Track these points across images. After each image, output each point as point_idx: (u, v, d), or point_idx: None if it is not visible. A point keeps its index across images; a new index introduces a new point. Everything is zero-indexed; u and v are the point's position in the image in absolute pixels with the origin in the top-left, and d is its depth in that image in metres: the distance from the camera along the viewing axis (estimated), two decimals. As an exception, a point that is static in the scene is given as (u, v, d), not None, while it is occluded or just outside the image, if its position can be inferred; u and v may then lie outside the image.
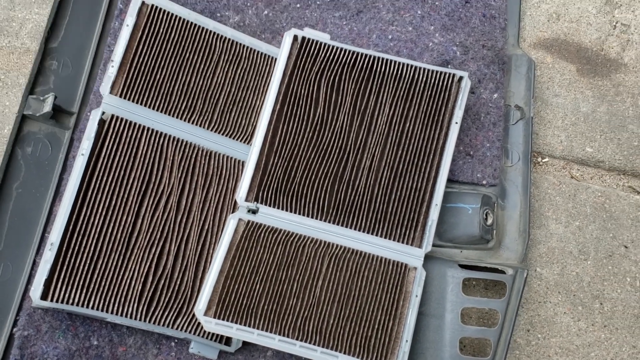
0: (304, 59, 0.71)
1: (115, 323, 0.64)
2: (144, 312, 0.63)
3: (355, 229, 0.68)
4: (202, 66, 0.71)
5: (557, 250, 0.77)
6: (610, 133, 0.81)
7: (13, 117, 0.80)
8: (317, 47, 0.71)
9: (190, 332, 0.64)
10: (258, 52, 0.75)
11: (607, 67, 0.84)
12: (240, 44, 0.74)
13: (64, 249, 0.62)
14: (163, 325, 0.63)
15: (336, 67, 0.71)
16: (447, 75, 0.72)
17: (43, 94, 0.73)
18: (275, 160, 0.68)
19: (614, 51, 0.84)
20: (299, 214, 0.67)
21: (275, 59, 0.75)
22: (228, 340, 0.65)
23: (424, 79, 0.72)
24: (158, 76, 0.69)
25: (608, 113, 0.82)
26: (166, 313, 0.64)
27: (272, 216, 0.67)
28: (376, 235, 0.68)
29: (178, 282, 0.65)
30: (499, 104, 0.78)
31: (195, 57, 0.71)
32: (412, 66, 0.72)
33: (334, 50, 0.71)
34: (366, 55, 0.71)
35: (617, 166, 0.81)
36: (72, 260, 0.62)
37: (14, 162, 0.69)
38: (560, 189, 0.80)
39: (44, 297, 0.61)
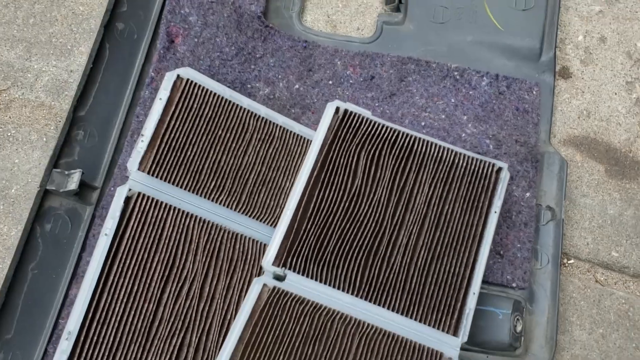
0: (345, 130, 0.68)
1: None
2: None
3: (388, 308, 0.64)
4: (233, 144, 0.69)
5: (581, 359, 0.75)
6: (637, 238, 0.80)
7: (22, 177, 0.76)
8: (359, 120, 0.68)
9: None
10: (290, 132, 0.72)
11: (635, 170, 0.83)
12: (273, 123, 0.71)
13: (82, 339, 0.58)
14: None
15: (376, 142, 0.69)
16: (487, 164, 0.70)
17: (67, 166, 0.69)
18: (308, 227, 0.63)
19: (642, 154, 0.84)
20: (330, 285, 0.63)
21: (308, 140, 0.72)
22: None
23: (464, 164, 0.70)
24: (188, 153, 0.66)
25: (635, 217, 0.81)
26: None
27: (300, 285, 0.62)
28: (410, 317, 0.64)
29: None
30: (531, 203, 0.76)
31: (228, 134, 0.68)
32: (452, 150, 0.70)
33: (376, 126, 0.69)
34: (407, 134, 0.69)
35: (641, 273, 0.80)
36: (91, 351, 0.58)
37: (32, 240, 0.65)
38: (585, 294, 0.78)
39: None
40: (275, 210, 0.69)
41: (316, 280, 0.63)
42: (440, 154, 0.70)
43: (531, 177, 0.77)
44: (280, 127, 0.72)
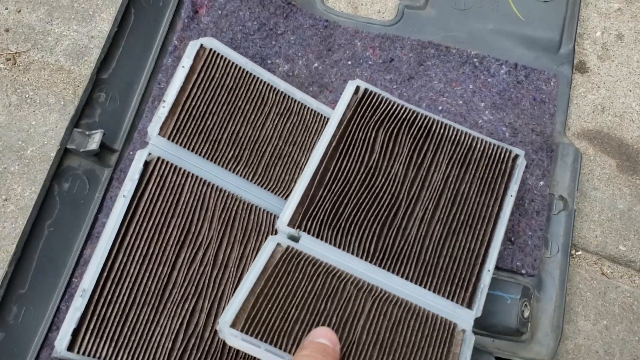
0: (364, 108, 0.68)
1: None
2: None
3: (402, 277, 0.63)
4: (252, 116, 0.69)
5: (584, 348, 0.76)
6: (644, 234, 0.81)
7: (38, 139, 0.76)
8: (378, 99, 0.68)
9: None
10: (308, 108, 0.72)
11: (646, 167, 0.84)
12: (292, 98, 0.71)
13: (96, 297, 0.58)
14: None
15: (395, 121, 0.69)
16: (504, 149, 0.71)
17: (88, 127, 0.68)
18: (324, 193, 0.63)
19: (654, 151, 0.85)
20: (344, 250, 0.62)
21: (325, 117, 0.72)
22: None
23: (481, 148, 0.70)
24: (208, 122, 0.66)
25: (644, 213, 0.82)
26: None
27: (314, 247, 0.61)
28: (424, 287, 0.63)
29: (209, 343, 0.61)
30: (544, 192, 0.77)
31: (247, 106, 0.69)
32: (470, 134, 0.70)
33: (394, 106, 0.69)
34: (425, 115, 0.70)
35: (647, 268, 0.81)
36: (104, 310, 0.58)
37: (49, 198, 0.65)
38: (591, 285, 0.79)
39: (70, 348, 0.56)
40: (290, 185, 0.70)
41: (330, 244, 0.62)
42: (457, 137, 0.70)
43: (545, 166, 0.78)
44: (299, 102, 0.72)
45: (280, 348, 0.54)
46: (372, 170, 0.66)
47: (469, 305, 0.64)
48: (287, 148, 0.70)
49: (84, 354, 0.56)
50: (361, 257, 0.63)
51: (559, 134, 0.81)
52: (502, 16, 0.85)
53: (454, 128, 0.70)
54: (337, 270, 0.61)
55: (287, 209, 0.62)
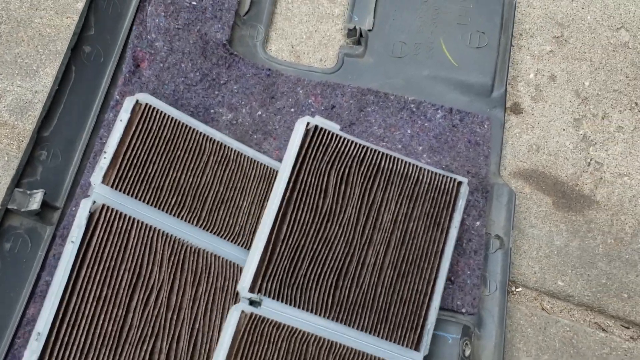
0: (315, 148, 0.70)
1: None
2: None
3: (357, 328, 0.67)
4: (192, 165, 0.71)
5: (526, 383, 0.78)
6: (581, 269, 0.84)
7: (-18, 194, 0.76)
8: (329, 137, 0.70)
9: None
10: (245, 155, 0.75)
11: (580, 203, 0.87)
12: (229, 147, 0.74)
13: (52, 340, 0.58)
14: None
15: (346, 160, 0.71)
16: (449, 179, 0.74)
17: (30, 186, 0.69)
18: (282, 250, 0.66)
19: (588, 188, 0.88)
20: (303, 308, 0.65)
21: (260, 164, 0.75)
22: None
23: (428, 180, 0.73)
24: (149, 170, 0.67)
25: (580, 249, 0.85)
26: None
27: (275, 310, 0.64)
28: (377, 335, 0.68)
29: None
30: (481, 232, 0.79)
31: (186, 155, 0.71)
32: (417, 166, 0.73)
33: (345, 142, 0.71)
34: (374, 150, 0.72)
35: (585, 302, 0.83)
36: (61, 353, 0.58)
37: (-10, 259, 0.65)
38: (532, 321, 0.81)
39: None
40: (234, 228, 0.71)
41: (290, 304, 0.65)
42: (406, 170, 0.73)
43: (481, 206, 0.81)
44: (235, 150, 0.74)
45: None
46: (326, 217, 0.69)
47: (417, 347, 0.69)
48: (228, 193, 0.72)
49: None
50: (319, 314, 0.66)
51: (494, 174, 0.84)
52: (436, 63, 0.88)
53: (402, 161, 0.73)
54: (298, 331, 0.64)
55: (247, 272, 0.64)
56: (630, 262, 0.85)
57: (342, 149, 0.71)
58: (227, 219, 0.71)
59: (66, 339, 0.58)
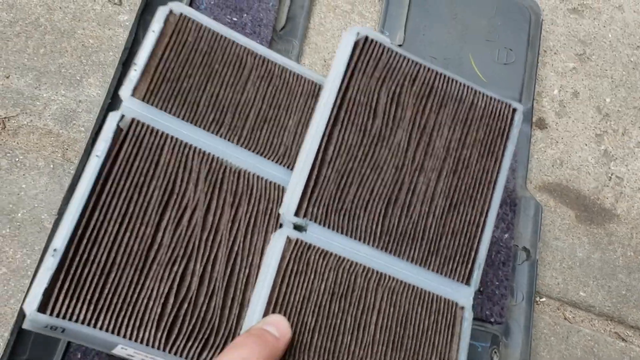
0: (365, 62, 0.64)
1: (125, 357, 0.52)
2: (163, 340, 0.52)
3: (407, 259, 0.62)
4: (231, 80, 0.65)
5: (550, 390, 0.81)
6: (602, 280, 0.87)
7: (28, 202, 0.78)
8: (380, 50, 0.65)
9: None
10: (290, 71, 0.68)
11: (602, 216, 0.90)
12: (272, 62, 0.68)
13: (70, 256, 0.51)
14: (186, 358, 0.52)
15: (398, 77, 0.65)
16: (505, 104, 0.69)
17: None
18: (328, 173, 0.60)
19: (609, 202, 0.91)
20: (350, 237, 0.60)
21: (308, 80, 0.68)
22: None
23: (483, 104, 0.68)
24: (184, 84, 0.62)
25: (601, 260, 0.88)
26: (189, 343, 0.53)
27: (321, 237, 0.58)
28: (427, 268, 0.63)
29: (204, 309, 0.55)
30: (509, 244, 0.83)
31: (225, 69, 0.65)
32: (472, 89, 0.68)
33: (397, 57, 0.65)
34: (428, 68, 0.67)
35: (606, 312, 0.86)
36: (79, 270, 0.51)
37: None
38: (555, 330, 0.84)
39: (42, 309, 0.48)
40: (279, 148, 0.65)
41: (337, 231, 0.60)
42: (460, 93, 0.67)
43: (510, 219, 0.84)
44: (280, 65, 0.68)
45: None
46: (375, 140, 0.63)
47: (467, 282, 0.64)
48: (272, 111, 0.66)
49: (58, 316, 0.49)
50: (368, 243, 0.61)
51: (521, 187, 0.87)
52: (466, 77, 0.90)
53: (457, 82, 0.68)
54: (346, 261, 0.59)
55: (291, 195, 0.58)
56: (649, 274, 0.88)
57: (395, 64, 0.65)
58: (271, 138, 0.65)
59: (85, 255, 0.51)
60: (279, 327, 0.49)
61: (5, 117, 0.82)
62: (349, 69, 0.63)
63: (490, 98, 0.68)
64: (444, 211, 0.65)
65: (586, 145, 0.94)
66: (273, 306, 0.54)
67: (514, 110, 0.68)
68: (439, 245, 0.64)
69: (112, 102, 0.76)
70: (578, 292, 0.87)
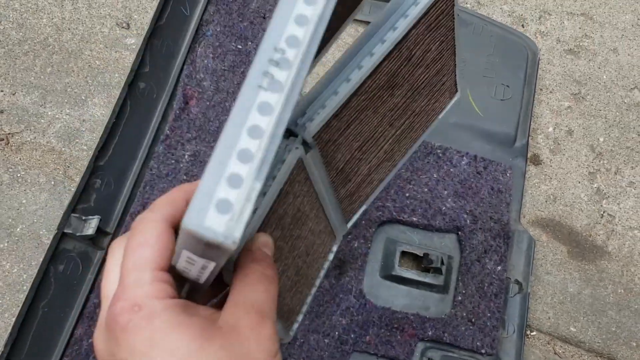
0: None
1: None
2: None
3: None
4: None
5: None
6: (592, 316, 0.88)
7: (28, 217, 0.79)
8: None
9: None
10: None
11: (593, 253, 0.91)
12: None
13: None
14: None
15: None
16: None
17: (84, 211, 0.73)
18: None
19: (600, 239, 0.92)
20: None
21: None
22: None
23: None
24: None
25: (592, 297, 0.89)
26: None
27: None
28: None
29: None
30: (502, 276, 0.83)
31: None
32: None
33: None
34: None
35: (595, 348, 0.87)
36: None
37: (45, 280, 0.68)
38: (545, 364, 0.85)
39: None
40: None
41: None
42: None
43: (503, 252, 0.85)
44: None
45: None
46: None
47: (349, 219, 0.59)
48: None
49: None
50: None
51: (515, 221, 0.88)
52: (463, 111, 0.93)
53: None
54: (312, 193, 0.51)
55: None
56: (639, 312, 0.89)
57: None
58: None
59: None
60: (272, 248, 0.42)
61: (9, 133, 0.84)
62: None
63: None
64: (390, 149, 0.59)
65: (579, 182, 0.95)
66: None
67: None
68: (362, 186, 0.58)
69: (116, 122, 0.78)
70: (569, 327, 0.87)
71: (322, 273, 0.56)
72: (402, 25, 0.47)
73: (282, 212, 0.46)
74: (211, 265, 0.33)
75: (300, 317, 0.54)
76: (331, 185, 0.53)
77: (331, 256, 0.58)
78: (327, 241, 0.57)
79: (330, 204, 0.55)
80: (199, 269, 0.34)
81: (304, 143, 0.48)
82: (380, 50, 0.47)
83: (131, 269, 0.35)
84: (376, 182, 0.61)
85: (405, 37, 0.48)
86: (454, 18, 0.53)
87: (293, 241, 0.49)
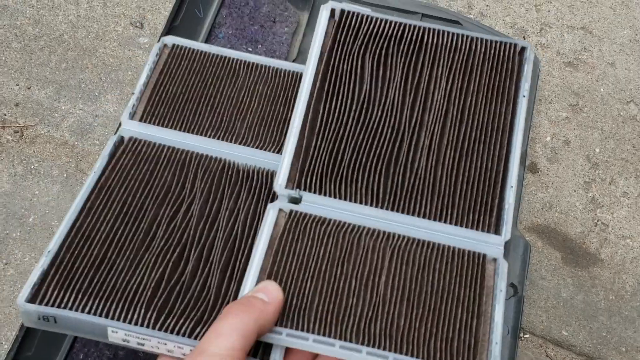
0: (344, 34, 0.62)
1: (121, 345, 0.51)
2: (153, 320, 0.50)
3: (418, 215, 0.56)
4: (227, 90, 0.67)
5: None
6: (584, 321, 0.91)
7: (40, 208, 0.81)
8: (359, 19, 0.63)
9: None
10: (284, 70, 0.70)
11: (586, 260, 0.94)
12: (265, 66, 0.70)
13: (61, 254, 0.52)
14: (178, 334, 0.50)
15: (381, 41, 0.62)
16: (508, 45, 0.63)
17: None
18: (318, 143, 0.57)
19: (594, 246, 0.95)
20: (351, 201, 0.56)
21: (302, 74, 0.66)
22: (256, 353, 0.51)
23: (483, 49, 0.63)
24: (181, 101, 0.64)
25: (584, 302, 0.92)
26: (181, 321, 0.51)
27: (318, 205, 0.55)
28: (444, 222, 0.56)
29: (197, 290, 0.54)
30: (498, 280, 0.86)
31: (219, 82, 0.67)
32: (468, 37, 0.63)
33: (378, 22, 0.62)
34: (414, 26, 0.63)
35: (586, 352, 0.90)
36: (70, 265, 0.52)
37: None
38: (537, 366, 0.87)
39: (32, 300, 0.49)
40: (280, 139, 0.64)
41: (335, 197, 0.56)
42: (454, 43, 0.63)
43: (499, 256, 0.87)
44: (273, 67, 0.69)
45: (301, 330, 0.49)
46: (365, 104, 0.60)
47: (496, 231, 0.56)
48: (270, 107, 0.66)
49: (47, 304, 0.50)
50: (371, 204, 0.56)
51: (512, 227, 0.91)
52: (465, 120, 0.96)
53: (449, 34, 0.63)
54: (347, 225, 0.55)
55: (281, 168, 0.56)
56: (629, 318, 0.92)
57: (376, 30, 0.62)
58: (271, 131, 0.65)
59: (76, 252, 0.52)
60: (268, 291, 0.47)
61: (24, 126, 0.86)
62: (327, 41, 0.61)
63: (491, 42, 0.63)
64: (455, 162, 0.59)
65: (575, 191, 0.98)
66: (267, 275, 0.51)
67: (522, 48, 0.62)
68: (455, 197, 0.58)
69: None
70: (561, 330, 0.90)
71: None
72: None
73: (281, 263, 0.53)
74: None
75: None
76: None
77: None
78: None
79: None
80: None
81: (292, 199, 0.55)
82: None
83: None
84: None
85: None
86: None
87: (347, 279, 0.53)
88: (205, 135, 0.62)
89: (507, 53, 0.63)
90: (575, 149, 1.01)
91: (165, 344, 0.50)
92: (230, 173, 0.60)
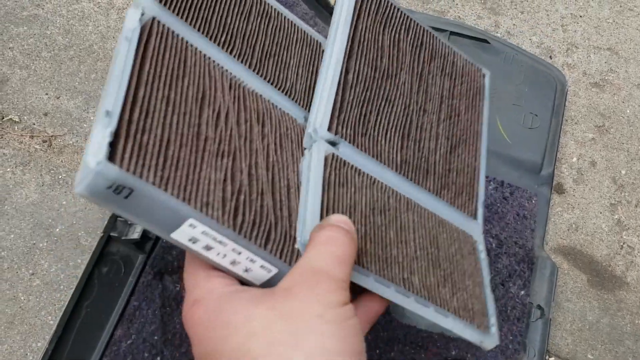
0: (368, 7, 0.64)
1: (183, 245, 0.43)
2: (231, 219, 0.45)
3: (425, 189, 0.61)
4: (237, 9, 0.61)
5: None
6: (610, 344, 0.90)
7: (67, 218, 0.81)
8: (378, 2, 0.65)
9: (285, 261, 0.47)
10: (286, 17, 0.66)
11: (612, 283, 0.93)
12: (270, 5, 0.65)
13: (126, 121, 0.42)
14: (255, 242, 0.46)
15: (395, 25, 0.66)
16: (476, 67, 0.72)
17: (129, 216, 0.75)
18: (351, 98, 0.58)
19: (620, 269, 0.94)
20: (377, 159, 0.58)
21: (302, 30, 0.66)
22: None
23: (461, 64, 0.70)
24: (195, 2, 0.57)
25: (610, 326, 0.91)
26: (255, 232, 0.47)
27: (352, 156, 0.56)
28: (442, 199, 0.62)
29: (259, 204, 0.49)
30: (525, 301, 0.85)
31: (230, 2, 0.61)
32: (452, 49, 0.70)
33: (394, 9, 0.66)
34: (418, 24, 0.68)
35: (612, 376, 0.89)
36: (139, 135, 0.43)
37: (90, 281, 0.70)
38: (563, 389, 0.86)
39: (111, 158, 0.39)
40: (285, 83, 0.62)
41: (364, 152, 0.58)
42: (443, 50, 0.69)
43: (526, 277, 0.87)
44: (275, 9, 0.66)
45: (362, 267, 0.49)
46: (384, 76, 0.63)
47: (475, 216, 0.64)
48: (274, 48, 0.63)
49: (129, 170, 0.40)
50: (392, 169, 0.59)
51: (538, 247, 0.90)
52: (492, 138, 0.95)
53: (440, 41, 0.70)
54: (378, 182, 0.57)
55: (321, 112, 0.56)
56: (655, 343, 0.91)
57: (392, 14, 0.66)
58: (277, 71, 0.62)
59: (141, 124, 0.43)
60: (349, 224, 0.46)
61: (52, 135, 0.86)
62: (355, 10, 0.62)
63: (465, 60, 0.71)
64: (447, 151, 0.65)
65: (601, 213, 0.98)
66: (326, 213, 0.50)
67: (484, 75, 0.72)
68: (448, 181, 0.64)
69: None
70: (586, 354, 0.89)
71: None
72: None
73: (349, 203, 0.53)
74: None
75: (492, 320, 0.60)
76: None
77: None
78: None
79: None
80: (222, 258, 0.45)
81: (330, 142, 0.55)
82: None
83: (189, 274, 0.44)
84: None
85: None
86: None
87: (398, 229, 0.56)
88: (223, 48, 0.57)
89: (475, 74, 0.71)
90: (602, 170, 1.01)
91: (240, 253, 0.45)
92: (252, 98, 0.55)
